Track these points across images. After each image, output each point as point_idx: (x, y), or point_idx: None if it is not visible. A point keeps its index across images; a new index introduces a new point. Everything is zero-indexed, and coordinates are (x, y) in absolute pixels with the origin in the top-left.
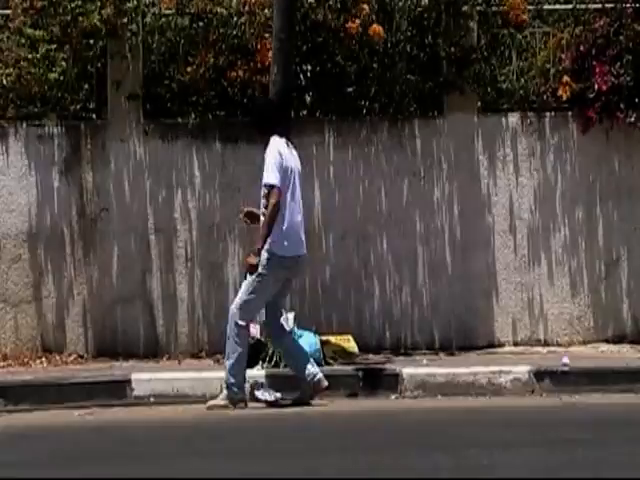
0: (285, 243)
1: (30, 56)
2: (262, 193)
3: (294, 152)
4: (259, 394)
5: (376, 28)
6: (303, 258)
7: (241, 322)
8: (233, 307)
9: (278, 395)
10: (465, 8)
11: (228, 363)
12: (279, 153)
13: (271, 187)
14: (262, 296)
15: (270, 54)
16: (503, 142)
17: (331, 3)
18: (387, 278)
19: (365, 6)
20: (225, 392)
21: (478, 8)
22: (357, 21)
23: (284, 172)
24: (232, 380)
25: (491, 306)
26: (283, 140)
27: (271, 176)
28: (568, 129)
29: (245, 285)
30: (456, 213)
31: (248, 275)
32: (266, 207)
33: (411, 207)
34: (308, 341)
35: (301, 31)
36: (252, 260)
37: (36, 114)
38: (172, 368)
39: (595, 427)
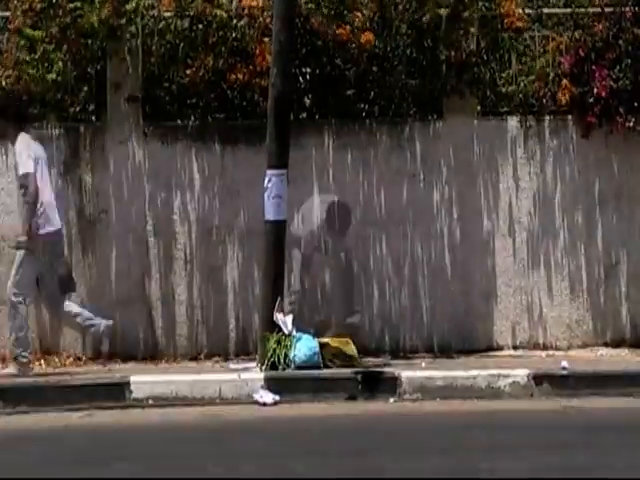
0: None
1: (28, 58)
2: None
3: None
4: (258, 396)
5: (367, 36)
6: None
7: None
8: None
9: (277, 397)
10: (465, 14)
11: None
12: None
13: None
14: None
15: (269, 57)
16: (502, 146)
17: (326, 10)
18: (386, 281)
19: (358, 13)
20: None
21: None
22: (348, 28)
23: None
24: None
25: (490, 309)
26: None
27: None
28: (567, 133)
29: None
30: (455, 216)
31: None
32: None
33: (410, 210)
34: (307, 344)
35: (300, 34)
36: None
37: (35, 116)
38: (171, 370)
39: (594, 431)
